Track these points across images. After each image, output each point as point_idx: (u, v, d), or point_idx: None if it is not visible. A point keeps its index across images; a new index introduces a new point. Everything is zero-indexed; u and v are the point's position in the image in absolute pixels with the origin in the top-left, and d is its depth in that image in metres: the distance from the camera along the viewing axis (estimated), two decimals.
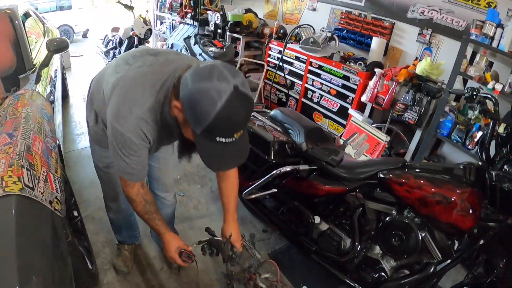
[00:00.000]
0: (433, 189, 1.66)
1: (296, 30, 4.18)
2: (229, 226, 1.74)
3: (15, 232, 1.18)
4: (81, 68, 7.26)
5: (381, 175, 1.90)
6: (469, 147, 2.77)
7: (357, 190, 2.06)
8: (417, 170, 1.86)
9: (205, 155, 1.25)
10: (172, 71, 1.32)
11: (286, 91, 4.41)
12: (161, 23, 7.67)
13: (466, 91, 1.85)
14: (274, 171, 2.12)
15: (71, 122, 4.58)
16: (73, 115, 4.83)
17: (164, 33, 7.42)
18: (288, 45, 4.20)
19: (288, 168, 2.10)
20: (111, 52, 7.14)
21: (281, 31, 4.66)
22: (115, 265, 2.30)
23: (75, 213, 1.97)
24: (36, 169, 1.53)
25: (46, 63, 2.92)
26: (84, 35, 12.18)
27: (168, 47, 6.50)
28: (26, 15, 3.52)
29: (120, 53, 6.67)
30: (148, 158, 1.47)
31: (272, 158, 2.23)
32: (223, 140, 1.15)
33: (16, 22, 3.01)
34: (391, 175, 1.86)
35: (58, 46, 2.86)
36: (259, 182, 2.21)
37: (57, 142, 2.13)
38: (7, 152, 1.55)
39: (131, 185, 1.50)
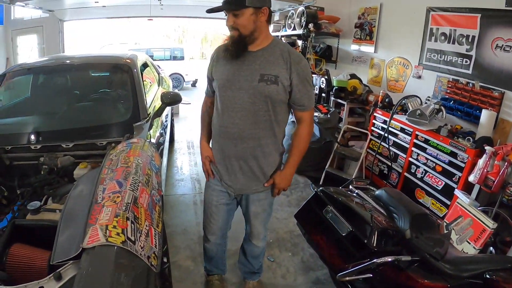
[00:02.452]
0: None
1: (403, 101, 4.32)
2: (285, 171, 2.30)
3: (109, 284, 1.27)
4: (189, 116, 8.11)
5: (487, 276, 1.91)
6: None
7: None
8: None
9: None
10: None
11: (389, 163, 4.51)
12: None
13: None
14: (375, 260, 2.13)
15: (173, 167, 5.11)
16: (176, 160, 5.40)
17: None
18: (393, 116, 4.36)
19: (389, 259, 2.11)
20: None
21: (386, 99, 4.80)
22: None
23: (165, 259, 2.15)
24: (140, 223, 1.64)
25: (159, 113, 3.24)
26: (193, 84, 13.60)
27: None
28: (144, 65, 4.01)
29: None
30: (215, 85, 2.20)
31: (374, 245, 2.23)
32: None
33: (135, 70, 3.40)
34: (498, 278, 1.88)
35: (171, 100, 3.18)
36: (357, 267, 2.22)
37: (162, 194, 2.33)
38: (114, 201, 1.67)
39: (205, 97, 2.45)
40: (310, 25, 6.15)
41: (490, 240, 3.09)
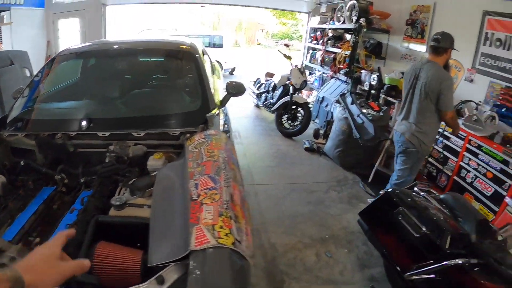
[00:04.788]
0: None
1: (460, 105, 4.42)
2: None
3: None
4: (228, 104, 8.28)
5: None
6: None
7: None
8: None
9: None
10: None
11: (439, 166, 4.66)
12: (310, 73, 8.66)
13: None
14: (447, 262, 2.26)
15: None
16: None
17: (312, 83, 8.36)
18: None
19: (460, 261, 2.24)
20: (264, 95, 8.11)
21: None
22: None
23: None
24: (239, 221, 1.55)
25: (223, 103, 3.11)
26: (231, 72, 13.92)
27: (318, 99, 7.32)
28: (203, 52, 3.75)
29: (272, 99, 7.56)
30: None
31: (448, 247, 2.34)
32: None
33: (199, 57, 3.26)
34: None
35: (237, 90, 3.11)
36: (427, 268, 2.36)
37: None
38: (213, 198, 1.60)
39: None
40: (362, 20, 6.34)
41: None
